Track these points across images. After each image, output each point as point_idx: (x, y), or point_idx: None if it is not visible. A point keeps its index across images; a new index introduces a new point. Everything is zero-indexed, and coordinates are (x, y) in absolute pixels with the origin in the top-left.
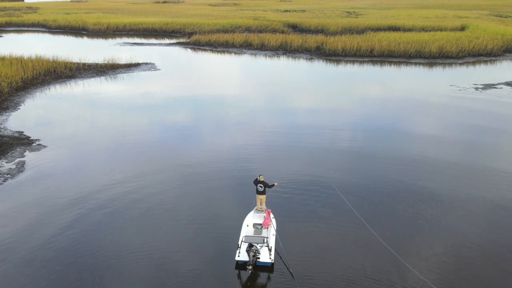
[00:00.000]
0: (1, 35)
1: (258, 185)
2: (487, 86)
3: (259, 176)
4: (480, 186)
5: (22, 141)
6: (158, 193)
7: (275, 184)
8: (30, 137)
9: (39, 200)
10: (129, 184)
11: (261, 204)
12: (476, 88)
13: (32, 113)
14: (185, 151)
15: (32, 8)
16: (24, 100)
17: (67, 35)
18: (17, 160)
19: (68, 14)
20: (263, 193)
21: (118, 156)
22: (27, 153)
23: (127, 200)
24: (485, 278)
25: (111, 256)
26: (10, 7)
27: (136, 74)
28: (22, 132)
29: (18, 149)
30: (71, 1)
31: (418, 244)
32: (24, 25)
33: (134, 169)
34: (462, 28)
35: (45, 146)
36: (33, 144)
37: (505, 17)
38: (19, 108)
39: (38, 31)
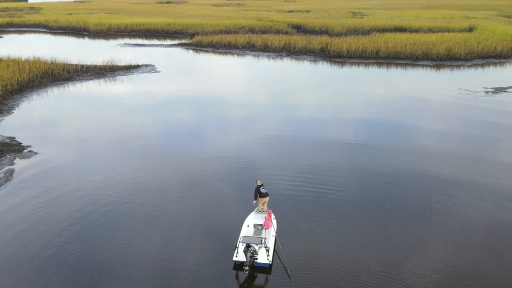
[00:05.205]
0: (2, 36)
1: (261, 188)
2: (498, 90)
3: (257, 181)
4: (485, 197)
5: (12, 148)
6: (157, 196)
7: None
8: (21, 143)
9: (30, 209)
10: (126, 189)
11: (263, 205)
12: (487, 92)
13: (25, 118)
14: (186, 153)
15: (34, 9)
16: (18, 104)
17: (68, 35)
18: (6, 168)
19: (70, 14)
20: (267, 194)
21: (114, 163)
22: (17, 160)
23: (123, 207)
24: (488, 275)
25: (109, 256)
26: (12, 8)
27: (135, 76)
28: (14, 138)
29: (8, 156)
30: (74, 1)
31: (420, 245)
32: (25, 25)
33: (132, 175)
34: (470, 29)
35: (36, 153)
36: (24, 151)
37: None
38: (12, 112)
39: (39, 32)
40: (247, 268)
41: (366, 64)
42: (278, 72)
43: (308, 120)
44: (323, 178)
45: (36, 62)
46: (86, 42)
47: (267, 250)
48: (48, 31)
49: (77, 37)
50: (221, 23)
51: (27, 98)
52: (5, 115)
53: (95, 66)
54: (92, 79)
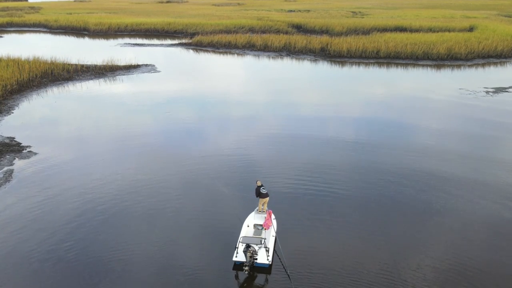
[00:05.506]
0: (2, 35)
1: (261, 189)
2: (499, 90)
3: (257, 182)
4: (489, 197)
5: (12, 148)
6: (157, 195)
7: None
8: (21, 143)
9: (29, 209)
10: (126, 188)
11: (263, 205)
12: (487, 92)
13: (25, 118)
14: (185, 152)
15: (34, 8)
16: (18, 104)
17: (68, 35)
18: (5, 168)
19: (71, 14)
20: (267, 195)
21: (114, 162)
22: (16, 161)
23: (123, 206)
24: (491, 274)
25: (109, 255)
26: (12, 7)
27: (135, 76)
28: (13, 138)
29: (8, 156)
30: (74, 1)
31: (421, 245)
32: (25, 25)
33: (132, 174)
34: (471, 29)
35: (36, 153)
36: (24, 151)
37: None
38: (12, 112)
39: (39, 31)
40: (247, 268)
41: (367, 64)
42: (278, 71)
43: (309, 119)
44: (323, 177)
45: (36, 62)
46: (86, 41)
47: (267, 250)
48: (48, 30)
49: (77, 36)
50: (221, 23)
51: (27, 98)
52: (5, 115)
53: (95, 66)
54: (92, 79)
